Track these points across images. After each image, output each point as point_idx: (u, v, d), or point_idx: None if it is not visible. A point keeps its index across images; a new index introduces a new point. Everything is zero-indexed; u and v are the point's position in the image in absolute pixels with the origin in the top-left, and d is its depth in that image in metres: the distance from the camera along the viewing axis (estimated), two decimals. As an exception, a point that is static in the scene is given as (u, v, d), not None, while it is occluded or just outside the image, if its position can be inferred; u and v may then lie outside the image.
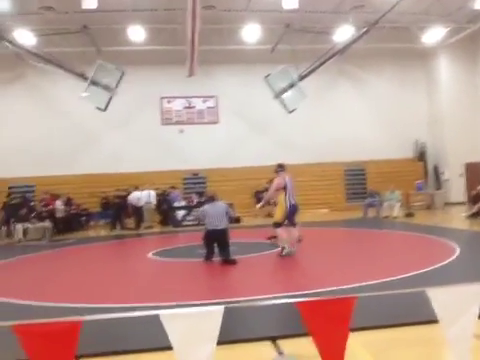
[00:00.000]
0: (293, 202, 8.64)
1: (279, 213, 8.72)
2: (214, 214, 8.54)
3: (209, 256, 8.72)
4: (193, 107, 21.21)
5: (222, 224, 8.54)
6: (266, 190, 17.66)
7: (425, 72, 22.71)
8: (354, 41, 16.91)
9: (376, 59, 21.40)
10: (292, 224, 8.90)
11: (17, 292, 6.61)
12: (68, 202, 17.72)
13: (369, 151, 21.27)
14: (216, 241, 8.63)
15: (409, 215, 16.18)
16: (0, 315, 5.27)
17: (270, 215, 17.87)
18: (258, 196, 17.06)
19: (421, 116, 22.48)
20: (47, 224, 15.45)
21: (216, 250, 8.67)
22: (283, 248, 8.65)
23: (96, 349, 3.83)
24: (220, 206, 8.73)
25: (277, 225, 8.74)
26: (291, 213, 8.71)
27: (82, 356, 3.31)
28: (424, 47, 20.40)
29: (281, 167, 9.01)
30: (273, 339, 3.98)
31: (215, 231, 8.52)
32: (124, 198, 17.35)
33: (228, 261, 8.43)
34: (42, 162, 19.16)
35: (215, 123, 21.18)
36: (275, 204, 9.21)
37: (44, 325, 1.90)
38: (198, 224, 10.08)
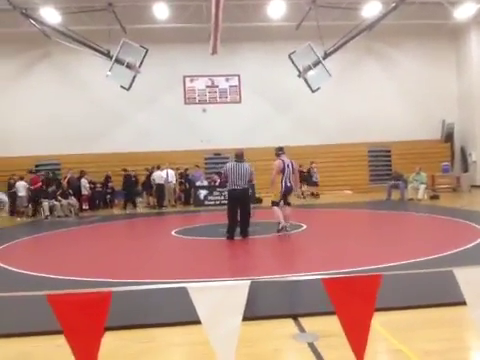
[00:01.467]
0: (288, 184, 9.08)
1: (275, 193, 9.19)
2: (237, 173, 8.55)
3: (231, 229, 8.58)
4: (216, 86, 21.12)
5: (244, 184, 8.57)
6: (307, 171, 17.96)
7: (455, 49, 21.98)
8: (382, 17, 16.44)
9: (404, 36, 20.78)
10: (286, 203, 9.34)
11: (47, 266, 6.83)
12: (108, 180, 18.28)
13: (394, 131, 20.87)
14: (238, 205, 8.56)
15: (434, 197, 15.90)
16: (33, 287, 5.47)
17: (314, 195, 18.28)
18: (302, 175, 17.62)
19: (449, 96, 21.86)
20: (73, 201, 15.82)
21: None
22: (279, 223, 9.06)
23: (124, 322, 3.94)
24: (244, 167, 8.69)
25: (275, 204, 9.20)
26: (285, 193, 9.17)
27: (111, 328, 3.42)
28: (455, 23, 19.71)
29: (281, 150, 9.41)
30: (294, 317, 4.02)
31: (235, 191, 8.54)
32: (132, 177, 17.91)
33: (245, 234, 8.53)
34: (68, 140, 19.50)
35: (237, 102, 21.07)
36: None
37: (76, 295, 1.96)
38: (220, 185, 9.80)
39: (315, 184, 18.76)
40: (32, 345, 3.68)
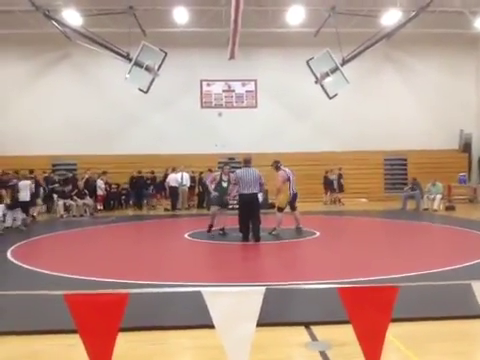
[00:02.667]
0: (294, 191, 9.97)
1: (282, 200, 9.91)
2: (246, 179, 8.91)
3: (245, 234, 8.87)
4: (232, 90, 21.18)
5: (254, 189, 8.87)
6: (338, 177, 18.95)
7: (475, 59, 21.69)
8: (402, 25, 16.31)
9: (423, 45, 20.57)
10: (293, 208, 10.10)
11: (61, 266, 6.90)
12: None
13: (411, 140, 20.65)
14: (248, 209, 8.83)
15: (450, 208, 15.67)
16: (47, 285, 5.53)
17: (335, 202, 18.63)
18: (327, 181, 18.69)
19: (468, 105, 21.56)
20: (88, 201, 15.98)
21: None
22: (275, 229, 9.68)
23: (137, 323, 3.95)
24: (253, 172, 9.09)
25: (280, 210, 9.90)
26: (293, 200, 9.99)
27: (123, 329, 3.44)
28: (475, 33, 19.44)
29: (279, 163, 10.23)
30: (307, 325, 4.00)
31: (246, 196, 8.84)
32: (145, 180, 18.21)
33: (257, 238, 8.72)
34: (85, 141, 19.72)
35: (253, 107, 21.09)
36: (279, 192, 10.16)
37: (93, 296, 1.98)
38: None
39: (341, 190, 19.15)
40: (44, 343, 3.72)
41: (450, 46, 20.93)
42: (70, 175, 17.35)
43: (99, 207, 17.29)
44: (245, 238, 8.89)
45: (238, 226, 9.13)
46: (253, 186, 8.89)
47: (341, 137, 20.50)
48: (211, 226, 10.05)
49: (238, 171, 9.25)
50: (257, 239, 8.83)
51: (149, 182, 18.35)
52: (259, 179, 9.11)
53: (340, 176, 18.96)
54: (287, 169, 10.11)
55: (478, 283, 2.22)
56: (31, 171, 15.27)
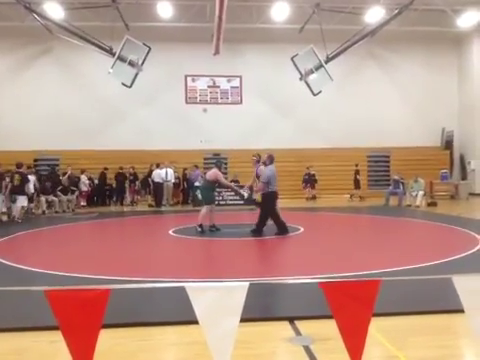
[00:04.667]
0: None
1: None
2: (275, 176, 9.14)
3: (284, 226, 8.99)
4: (217, 86, 21.12)
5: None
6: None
7: (457, 57, 22.03)
8: (385, 23, 16.47)
9: (406, 42, 20.82)
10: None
11: (43, 262, 6.81)
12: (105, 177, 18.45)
13: (394, 137, 20.91)
14: (274, 205, 9.11)
15: (432, 204, 15.92)
16: (29, 281, 5.45)
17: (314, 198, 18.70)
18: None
19: (450, 103, 21.91)
20: (71, 197, 15.80)
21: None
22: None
23: (120, 319, 3.92)
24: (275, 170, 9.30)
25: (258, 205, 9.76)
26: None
27: (107, 326, 3.41)
28: (458, 31, 19.73)
29: (259, 156, 10.08)
30: (291, 319, 4.01)
31: (275, 193, 9.12)
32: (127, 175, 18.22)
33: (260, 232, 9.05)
34: (68, 136, 19.45)
35: (238, 103, 21.07)
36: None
37: (75, 292, 1.95)
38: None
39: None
40: (26, 340, 3.66)
41: (433, 44, 21.22)
42: (51, 170, 17.09)
43: (83, 203, 17.12)
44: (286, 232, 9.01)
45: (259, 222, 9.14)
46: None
47: (325, 134, 20.63)
48: (201, 225, 9.78)
49: (270, 167, 9.22)
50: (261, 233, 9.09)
51: (131, 178, 18.20)
52: None
53: (357, 172, 19.11)
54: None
55: (459, 278, 2.25)
56: (20, 165, 14.83)
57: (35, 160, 19.12)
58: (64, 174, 16.73)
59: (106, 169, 18.43)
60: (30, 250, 8.38)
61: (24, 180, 12.59)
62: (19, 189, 12.45)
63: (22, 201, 12.54)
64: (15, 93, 19.74)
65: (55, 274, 5.82)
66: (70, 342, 2.01)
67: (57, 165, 19.13)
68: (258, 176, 9.80)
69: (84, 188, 17.14)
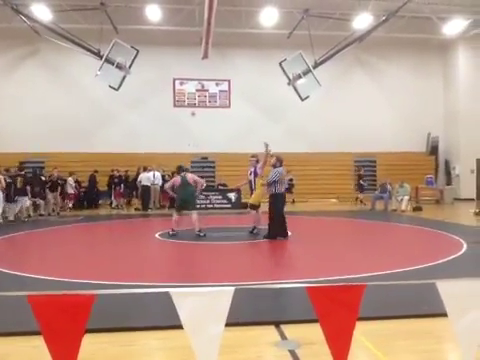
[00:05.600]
0: (267, 188, 9.77)
1: (257, 197, 9.64)
2: (283, 177, 9.36)
3: (284, 229, 9.10)
4: (206, 90, 21.13)
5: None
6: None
7: (443, 64, 22.36)
8: (373, 29, 16.66)
9: (393, 49, 21.09)
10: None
11: (27, 266, 6.72)
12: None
13: (380, 142, 21.13)
14: (283, 207, 9.23)
15: (417, 209, 16.09)
16: (11, 286, 5.37)
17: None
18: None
19: (436, 109, 22.22)
20: (56, 200, 15.62)
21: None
22: (255, 227, 9.78)
23: (104, 325, 3.89)
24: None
25: (255, 207, 9.70)
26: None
27: (91, 331, 3.37)
28: (443, 38, 20.04)
29: (256, 157, 9.97)
30: (277, 324, 4.01)
31: (284, 194, 9.34)
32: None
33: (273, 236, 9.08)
34: (54, 138, 19.27)
35: (227, 107, 21.10)
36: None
37: (58, 297, 1.93)
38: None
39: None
40: (8, 345, 3.61)
41: (419, 51, 21.52)
42: (34, 173, 16.84)
43: (70, 206, 16.95)
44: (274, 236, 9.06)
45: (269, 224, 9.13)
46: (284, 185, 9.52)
47: (312, 138, 20.76)
48: (200, 230, 9.83)
49: (280, 169, 9.26)
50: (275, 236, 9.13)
51: (116, 181, 18.06)
52: None
53: (360, 177, 19.01)
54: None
55: (442, 282, 2.27)
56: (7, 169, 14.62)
57: (20, 163, 18.84)
58: (50, 177, 16.52)
59: (96, 171, 18.29)
60: (14, 254, 8.27)
61: (27, 182, 13.60)
62: (22, 191, 13.28)
63: (24, 202, 13.41)
64: (1, 95, 19.50)
65: (39, 278, 5.74)
66: (52, 348, 1.98)
67: (43, 168, 18.90)
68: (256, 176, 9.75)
69: (71, 191, 16.94)
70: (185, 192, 9.84)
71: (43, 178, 15.61)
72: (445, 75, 22.36)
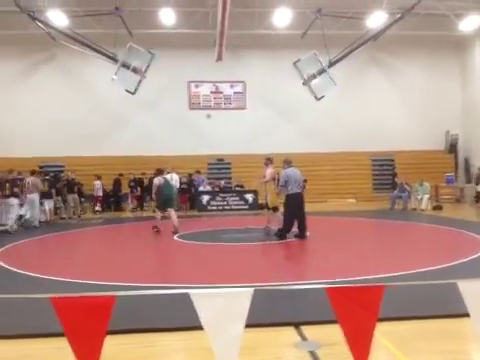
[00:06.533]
0: (278, 192, 9.82)
1: (273, 199, 9.75)
2: (295, 178, 9.12)
3: (288, 230, 8.97)
4: (220, 92, 21.18)
5: (300, 188, 9.17)
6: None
7: (460, 61, 22.01)
8: (387, 27, 16.49)
9: (409, 46, 20.82)
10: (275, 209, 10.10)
11: (50, 268, 6.83)
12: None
13: (398, 141, 20.87)
14: (298, 208, 9.04)
15: (437, 208, 15.85)
16: (35, 288, 5.47)
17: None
18: None
19: (454, 107, 21.86)
20: (75, 203, 15.84)
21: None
22: (279, 229, 9.49)
23: (125, 326, 3.91)
24: (298, 172, 9.32)
25: (276, 209, 9.74)
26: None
27: (112, 332, 3.41)
28: (460, 35, 19.73)
29: (270, 160, 10.07)
30: (296, 325, 4.00)
31: (297, 195, 9.04)
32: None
33: (303, 236, 9.00)
34: (71, 142, 19.55)
35: (242, 109, 21.12)
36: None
37: (80, 299, 1.96)
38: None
39: None
40: (32, 347, 3.67)
41: (435, 48, 21.21)
42: (55, 176, 17.11)
43: (97, 208, 17.27)
44: (284, 237, 9.02)
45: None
46: (299, 185, 9.20)
47: (328, 138, 20.63)
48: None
49: (288, 171, 9.24)
50: (303, 236, 9.08)
51: (132, 184, 18.23)
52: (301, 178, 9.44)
53: (395, 175, 18.57)
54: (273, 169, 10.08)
55: (464, 282, 2.24)
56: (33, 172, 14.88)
57: (40, 167, 19.14)
58: (66, 179, 16.74)
59: (121, 175, 18.50)
60: (36, 257, 8.42)
61: (52, 185, 14.34)
62: (47, 194, 13.85)
63: (49, 204, 14.02)
64: (19, 100, 19.87)
65: (61, 280, 5.83)
66: (76, 349, 2.01)
67: (62, 171, 19.18)
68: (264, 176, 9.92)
69: (98, 193, 17.40)
70: (168, 192, 10.71)
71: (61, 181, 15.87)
72: (462, 72, 21.99)
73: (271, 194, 9.76)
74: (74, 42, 15.76)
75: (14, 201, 11.69)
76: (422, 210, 15.30)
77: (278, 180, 9.69)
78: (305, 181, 18.26)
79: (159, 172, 11.10)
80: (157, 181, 10.79)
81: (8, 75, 19.90)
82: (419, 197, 15.78)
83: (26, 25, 16.83)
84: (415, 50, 21.19)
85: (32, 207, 12.47)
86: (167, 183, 10.82)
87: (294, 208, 9.10)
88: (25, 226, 12.21)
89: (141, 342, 3.74)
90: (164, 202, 10.72)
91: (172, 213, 10.58)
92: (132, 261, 7.49)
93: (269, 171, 9.78)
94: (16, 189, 11.98)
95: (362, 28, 17.51)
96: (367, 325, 2.23)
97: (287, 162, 9.46)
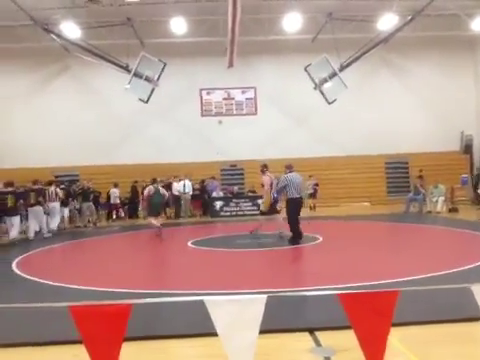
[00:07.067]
0: (276, 195, 10.40)
1: (267, 203, 10.51)
2: (296, 182, 9.32)
3: (298, 236, 9.12)
4: (232, 98, 21.28)
5: (301, 193, 9.45)
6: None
7: (473, 61, 21.76)
8: (398, 30, 16.38)
9: (420, 48, 20.66)
10: (276, 212, 10.69)
11: (66, 276, 6.92)
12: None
13: (412, 144, 20.68)
14: (298, 212, 9.25)
15: (453, 210, 15.65)
16: (52, 296, 5.55)
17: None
18: None
19: (468, 107, 21.58)
20: (90, 211, 16.01)
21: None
22: (281, 231, 10.02)
23: (139, 332, 3.96)
24: (300, 177, 9.61)
25: (263, 213, 10.66)
26: (274, 203, 10.58)
27: (128, 339, 3.45)
28: (472, 34, 19.50)
29: (266, 167, 10.82)
30: (311, 330, 4.00)
31: (297, 199, 9.27)
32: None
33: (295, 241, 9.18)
34: (86, 152, 19.81)
35: (254, 114, 21.17)
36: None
37: (97, 307, 2.01)
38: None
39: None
40: (50, 355, 3.73)
41: (447, 48, 21.01)
42: (69, 184, 17.33)
43: (115, 216, 17.51)
44: (296, 241, 9.16)
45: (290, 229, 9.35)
46: (301, 189, 9.50)
47: (341, 142, 20.54)
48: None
49: (289, 175, 9.47)
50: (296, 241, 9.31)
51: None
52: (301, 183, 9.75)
53: (421, 177, 17.68)
54: (271, 174, 10.77)
55: (478, 286, 2.24)
56: (50, 182, 15.12)
57: (55, 176, 19.42)
58: (82, 187, 16.95)
59: (136, 182, 18.66)
60: (52, 265, 8.54)
61: (68, 194, 14.96)
62: (63, 202, 14.40)
63: (66, 212, 14.80)
64: (34, 111, 20.23)
65: (76, 288, 5.91)
66: (93, 356, 2.06)
67: (77, 180, 19.41)
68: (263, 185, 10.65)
69: (115, 201, 17.70)
70: (158, 200, 11.60)
71: (76, 189, 16.10)
72: (476, 72, 21.74)
73: (267, 198, 10.42)
74: (87, 53, 15.99)
75: (39, 209, 12.60)
76: (437, 213, 15.13)
77: (274, 185, 10.25)
78: (317, 185, 18.36)
79: (153, 181, 11.92)
80: (147, 191, 11.59)
81: (22, 87, 20.28)
82: (434, 199, 15.61)
83: (40, 37, 17.15)
84: (427, 51, 21.02)
85: (53, 214, 13.47)
86: (157, 192, 11.58)
87: (294, 212, 9.30)
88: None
89: (156, 349, 3.77)
90: (155, 209, 11.72)
91: (158, 219, 11.70)
92: (147, 268, 7.55)
93: (266, 178, 10.43)
94: (40, 198, 12.82)
95: (373, 31, 17.44)
96: (381, 330, 2.23)
97: (288, 167, 9.77)
